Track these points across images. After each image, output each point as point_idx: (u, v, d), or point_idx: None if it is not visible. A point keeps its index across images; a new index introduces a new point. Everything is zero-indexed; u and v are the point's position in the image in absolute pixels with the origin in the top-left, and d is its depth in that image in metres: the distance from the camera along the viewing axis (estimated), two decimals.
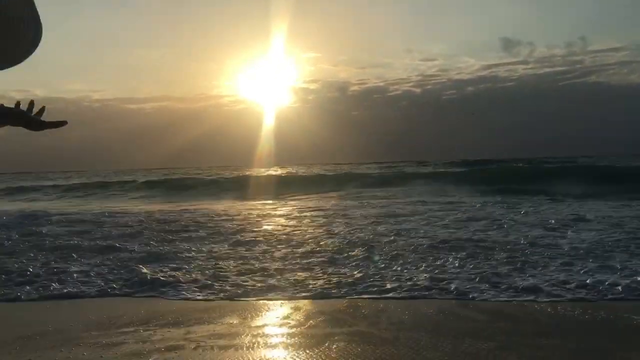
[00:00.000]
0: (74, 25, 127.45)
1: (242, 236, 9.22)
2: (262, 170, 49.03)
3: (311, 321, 4.45)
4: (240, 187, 24.33)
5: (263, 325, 4.42)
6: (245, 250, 7.85)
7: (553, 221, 10.04)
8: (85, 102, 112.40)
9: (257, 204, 17.47)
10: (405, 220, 10.93)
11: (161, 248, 8.17)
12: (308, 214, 13.38)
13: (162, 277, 6.12)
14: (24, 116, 1.69)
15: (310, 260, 7.00)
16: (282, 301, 5.14)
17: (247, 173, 38.78)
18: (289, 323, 4.44)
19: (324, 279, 5.92)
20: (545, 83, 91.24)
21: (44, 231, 10.35)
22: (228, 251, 7.85)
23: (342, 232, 9.43)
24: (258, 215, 13.22)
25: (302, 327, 4.31)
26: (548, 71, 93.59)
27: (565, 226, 9.36)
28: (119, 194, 25.60)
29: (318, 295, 5.26)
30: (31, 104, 1.74)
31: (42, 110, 1.77)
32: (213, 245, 8.34)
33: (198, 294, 5.47)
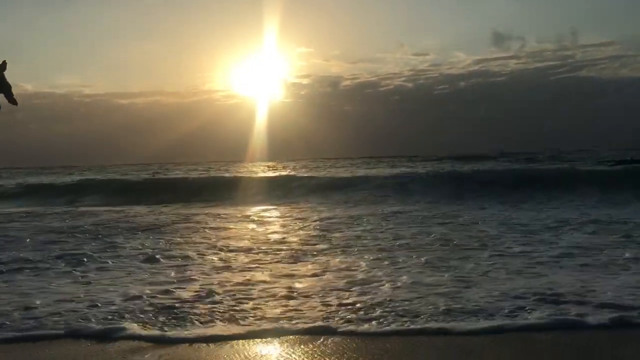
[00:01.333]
0: (64, 19, 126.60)
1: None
2: (244, 168, 47.85)
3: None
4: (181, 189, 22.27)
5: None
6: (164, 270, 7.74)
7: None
8: (76, 96, 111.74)
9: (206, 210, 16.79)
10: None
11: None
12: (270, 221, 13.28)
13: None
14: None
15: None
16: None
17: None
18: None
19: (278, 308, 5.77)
20: (536, 78, 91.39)
21: None
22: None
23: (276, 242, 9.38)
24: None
25: None
26: (539, 66, 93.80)
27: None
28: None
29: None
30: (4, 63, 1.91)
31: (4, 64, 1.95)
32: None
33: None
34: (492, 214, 13.28)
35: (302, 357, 4.21)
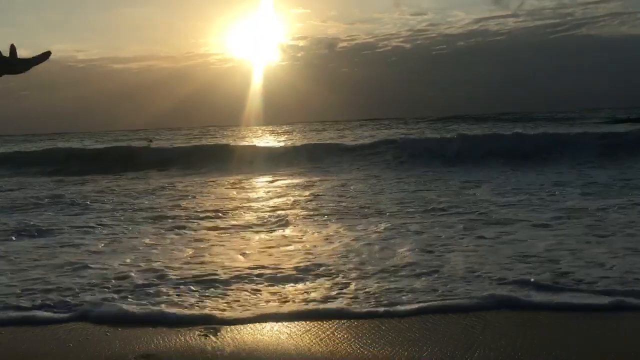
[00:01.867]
0: None
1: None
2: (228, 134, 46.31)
3: None
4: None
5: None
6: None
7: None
8: (70, 62, 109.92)
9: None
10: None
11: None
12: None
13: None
14: (7, 61, 1.81)
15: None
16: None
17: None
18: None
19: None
20: (535, 36, 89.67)
21: None
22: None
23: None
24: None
25: None
26: (538, 24, 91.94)
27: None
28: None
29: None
30: (12, 47, 1.84)
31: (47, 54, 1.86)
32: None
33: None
34: (488, 177, 12.63)
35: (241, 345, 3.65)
